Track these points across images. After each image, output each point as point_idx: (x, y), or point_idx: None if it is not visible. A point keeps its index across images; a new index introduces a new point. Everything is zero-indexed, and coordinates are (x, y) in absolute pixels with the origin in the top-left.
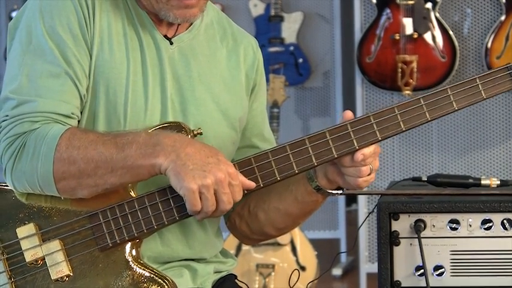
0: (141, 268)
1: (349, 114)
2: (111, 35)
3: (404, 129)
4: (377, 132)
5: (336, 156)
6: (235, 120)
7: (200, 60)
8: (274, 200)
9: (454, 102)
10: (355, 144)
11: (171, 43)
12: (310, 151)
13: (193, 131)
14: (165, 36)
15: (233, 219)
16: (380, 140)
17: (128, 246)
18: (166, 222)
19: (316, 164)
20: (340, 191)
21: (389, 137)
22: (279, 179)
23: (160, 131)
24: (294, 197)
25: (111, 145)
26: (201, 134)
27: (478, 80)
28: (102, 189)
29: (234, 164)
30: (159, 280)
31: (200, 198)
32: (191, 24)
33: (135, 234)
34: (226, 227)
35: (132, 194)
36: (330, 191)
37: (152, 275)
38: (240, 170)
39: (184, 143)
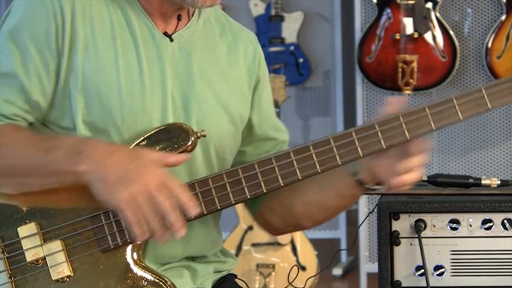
0: (142, 270)
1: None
2: (96, 40)
3: (409, 138)
4: (382, 141)
5: (339, 163)
6: (236, 116)
7: (200, 56)
8: (313, 193)
9: (459, 112)
10: (360, 152)
11: (171, 40)
12: (314, 158)
13: (196, 133)
14: (165, 34)
15: (262, 212)
16: (385, 149)
17: (130, 248)
18: None
19: (320, 170)
20: (379, 187)
21: (394, 146)
22: (282, 184)
23: (89, 138)
24: (334, 190)
25: (38, 148)
26: (204, 136)
27: (484, 91)
28: (29, 189)
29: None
30: (160, 283)
31: (136, 209)
32: (189, 20)
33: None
34: (256, 222)
35: None
36: (370, 187)
37: (153, 278)
38: (244, 175)
39: (108, 152)
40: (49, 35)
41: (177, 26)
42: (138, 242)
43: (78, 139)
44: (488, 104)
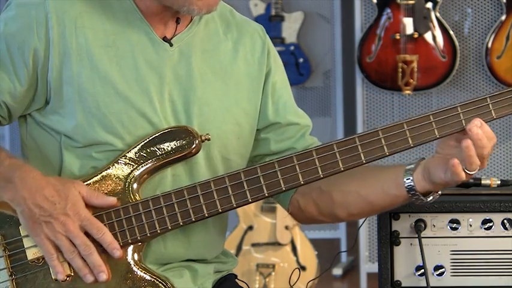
0: (142, 271)
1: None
2: (89, 50)
3: (412, 145)
4: (385, 147)
5: (342, 169)
6: (240, 115)
7: (201, 57)
8: (356, 184)
9: (463, 121)
10: (363, 158)
11: (171, 44)
12: (317, 163)
13: (201, 136)
14: (164, 38)
15: (295, 200)
16: (387, 155)
17: (131, 249)
18: (170, 227)
19: (322, 176)
20: (430, 197)
21: (397, 153)
22: (284, 189)
23: (24, 166)
24: (380, 186)
25: None
26: (209, 139)
27: (488, 100)
28: None
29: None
30: (160, 284)
31: (55, 247)
32: (190, 21)
33: (138, 238)
34: (288, 212)
35: (137, 197)
36: (417, 193)
37: (153, 279)
38: (246, 179)
39: (37, 186)
40: (25, 43)
41: (176, 29)
42: (60, 278)
43: (15, 164)
44: (493, 113)
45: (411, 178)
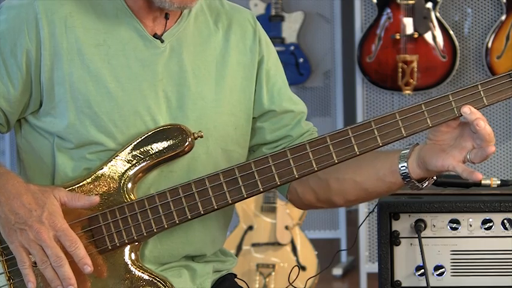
0: (140, 271)
1: None
2: (80, 49)
3: (405, 135)
4: (378, 138)
5: (336, 161)
6: (233, 105)
7: (192, 51)
8: (352, 171)
9: (455, 109)
10: (356, 149)
11: (162, 41)
12: (311, 156)
13: (193, 133)
14: (155, 35)
15: (293, 188)
16: (381, 146)
17: (127, 249)
18: (166, 226)
19: (316, 169)
20: (425, 183)
21: (390, 143)
22: (279, 183)
23: (6, 173)
24: (375, 173)
25: None
26: (201, 136)
27: (480, 87)
28: None
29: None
30: (158, 283)
31: (28, 255)
32: (180, 16)
33: (135, 238)
34: (287, 199)
35: (132, 196)
36: (412, 180)
37: (151, 278)
38: (240, 175)
39: (15, 194)
40: (17, 45)
41: (166, 25)
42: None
43: None
44: (485, 100)
45: (406, 165)
